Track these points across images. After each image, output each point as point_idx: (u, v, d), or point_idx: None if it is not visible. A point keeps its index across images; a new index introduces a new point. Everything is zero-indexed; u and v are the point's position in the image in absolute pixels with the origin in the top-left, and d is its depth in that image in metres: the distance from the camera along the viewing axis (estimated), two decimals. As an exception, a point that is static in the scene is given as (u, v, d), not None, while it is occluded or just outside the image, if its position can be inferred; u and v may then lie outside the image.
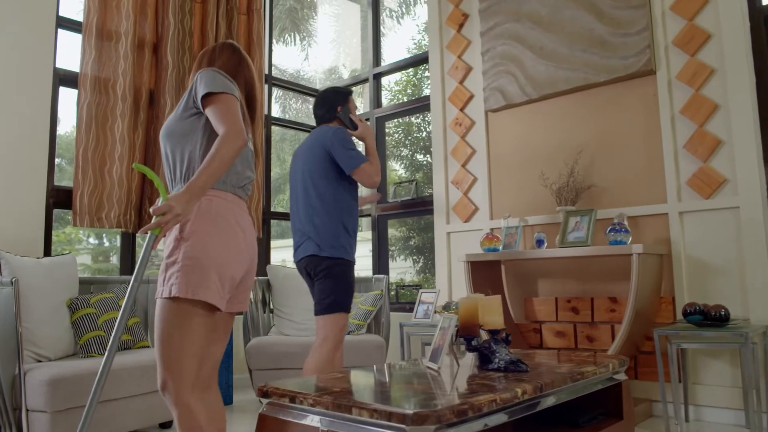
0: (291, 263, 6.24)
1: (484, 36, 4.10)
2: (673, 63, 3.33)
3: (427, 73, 6.16)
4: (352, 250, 2.73)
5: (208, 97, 1.83)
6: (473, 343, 2.35)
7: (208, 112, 1.82)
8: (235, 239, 1.84)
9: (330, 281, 2.64)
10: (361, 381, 1.94)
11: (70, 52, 3.92)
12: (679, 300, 3.22)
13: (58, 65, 3.77)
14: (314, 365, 2.57)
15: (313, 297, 2.73)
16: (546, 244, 3.48)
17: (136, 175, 3.96)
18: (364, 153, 2.82)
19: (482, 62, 4.12)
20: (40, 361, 2.96)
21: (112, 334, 1.71)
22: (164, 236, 1.79)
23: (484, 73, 4.10)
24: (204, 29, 4.39)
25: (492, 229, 4.01)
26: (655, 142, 3.38)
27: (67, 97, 3.91)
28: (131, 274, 4.13)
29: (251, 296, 4.14)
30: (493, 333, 2.21)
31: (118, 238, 4.12)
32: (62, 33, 3.91)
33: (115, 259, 10.06)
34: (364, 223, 5.44)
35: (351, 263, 2.72)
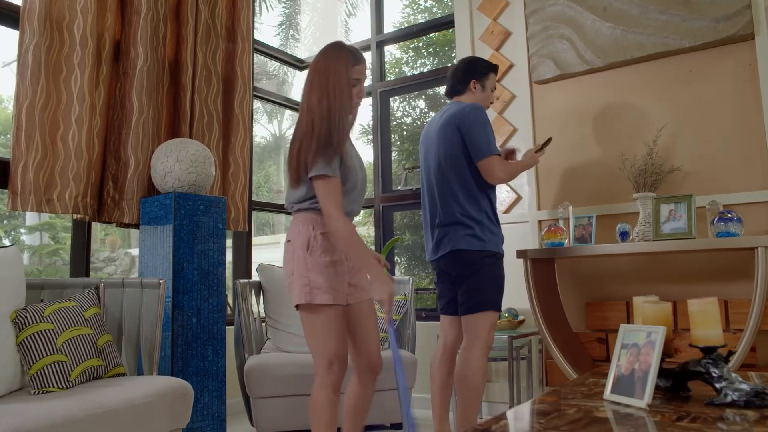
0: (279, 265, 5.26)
1: (530, -6, 3.49)
2: (775, 26, 2.86)
3: (428, 47, 5.51)
4: (500, 242, 2.49)
5: None
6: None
7: None
8: None
9: (478, 277, 2.39)
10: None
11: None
12: (787, 303, 2.73)
13: (-9, -8, 2.78)
14: (471, 366, 2.36)
15: (440, 299, 2.61)
16: (630, 237, 2.90)
17: (96, 143, 3.01)
18: None
19: (527, 25, 3.50)
20: (-25, 403, 2.01)
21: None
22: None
23: (530, 38, 3.48)
24: (182, -32, 3.49)
25: (539, 221, 3.39)
26: (754, 119, 2.89)
27: (3, 37, 2.91)
28: (85, 274, 3.16)
29: (238, 303, 3.29)
30: (706, 351, 1.57)
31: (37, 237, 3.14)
32: (-3, -49, 2.91)
33: (26, 259, 8.59)
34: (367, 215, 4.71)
35: (500, 256, 2.47)
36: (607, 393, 1.57)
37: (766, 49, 2.85)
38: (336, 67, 1.95)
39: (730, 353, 1.55)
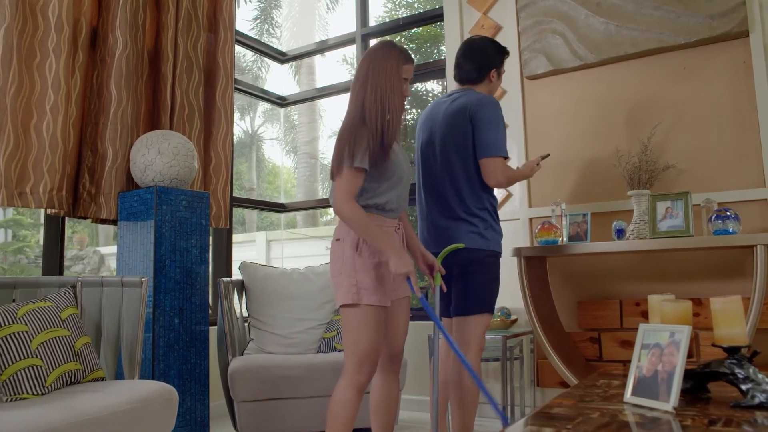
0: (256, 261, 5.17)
1: (522, -12, 3.43)
2: (769, 24, 2.85)
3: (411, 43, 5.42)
4: (500, 240, 2.36)
5: None
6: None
7: None
8: None
9: (478, 277, 2.26)
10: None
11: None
12: (781, 302, 2.72)
13: (-42, -29, 2.60)
14: (466, 371, 2.21)
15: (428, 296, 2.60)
16: (627, 235, 2.86)
17: (72, 134, 2.85)
18: None
19: (518, 20, 3.44)
20: (-58, 412, 1.85)
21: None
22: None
23: (521, 32, 3.42)
24: (162, -48, 3.33)
25: (530, 219, 3.34)
26: (748, 117, 2.87)
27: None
28: (59, 272, 2.99)
29: (221, 303, 3.16)
30: (730, 351, 1.51)
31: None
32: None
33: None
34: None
35: (500, 255, 2.35)
36: (628, 395, 1.51)
37: (761, 47, 2.84)
38: (388, 64, 2.00)
39: (755, 353, 1.50)
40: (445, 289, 2.16)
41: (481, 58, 2.41)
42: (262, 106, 13.18)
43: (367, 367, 1.95)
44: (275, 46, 10.58)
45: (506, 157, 2.31)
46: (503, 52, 2.49)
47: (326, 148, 10.45)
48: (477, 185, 2.30)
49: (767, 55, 2.83)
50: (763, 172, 2.81)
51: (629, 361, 2.98)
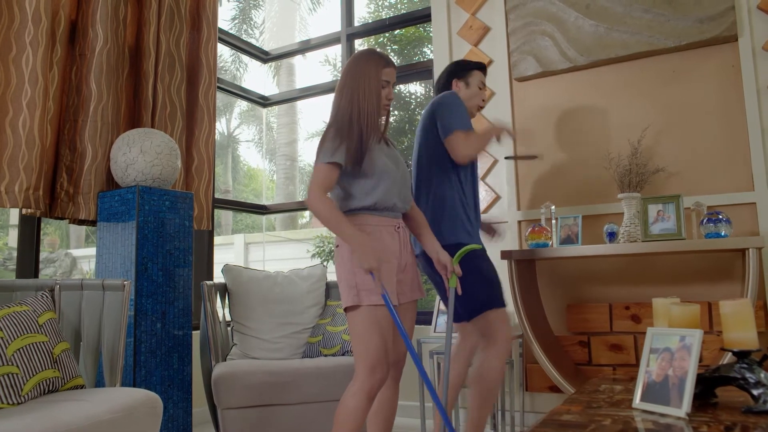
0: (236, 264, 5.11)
1: (511, -10, 3.41)
2: (757, 30, 2.86)
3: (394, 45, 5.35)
4: (476, 234, 2.36)
5: None
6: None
7: None
8: None
9: (462, 279, 2.14)
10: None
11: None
12: (770, 305, 2.73)
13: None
14: (486, 367, 2.24)
15: (440, 296, 2.54)
16: (618, 238, 2.85)
17: (49, 131, 2.73)
18: None
19: (507, 21, 3.42)
20: None
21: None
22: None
23: (511, 33, 3.40)
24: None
25: (519, 222, 3.31)
26: (737, 121, 2.89)
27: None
28: (34, 275, 2.87)
29: (204, 307, 3.06)
30: (740, 355, 1.49)
31: None
32: None
33: None
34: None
35: (480, 252, 2.31)
36: (637, 401, 1.47)
37: (749, 51, 2.85)
38: (366, 69, 2.02)
39: (765, 357, 1.47)
40: (459, 292, 2.07)
41: (446, 75, 2.62)
42: (239, 108, 13.02)
43: (380, 372, 1.89)
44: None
45: (467, 130, 2.35)
46: (469, 65, 2.62)
47: (305, 151, 10.35)
48: (449, 173, 2.35)
49: (756, 60, 2.85)
50: (752, 175, 2.82)
51: (619, 365, 2.98)
